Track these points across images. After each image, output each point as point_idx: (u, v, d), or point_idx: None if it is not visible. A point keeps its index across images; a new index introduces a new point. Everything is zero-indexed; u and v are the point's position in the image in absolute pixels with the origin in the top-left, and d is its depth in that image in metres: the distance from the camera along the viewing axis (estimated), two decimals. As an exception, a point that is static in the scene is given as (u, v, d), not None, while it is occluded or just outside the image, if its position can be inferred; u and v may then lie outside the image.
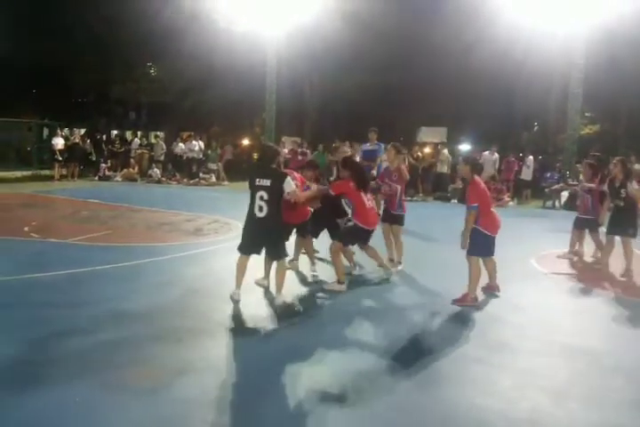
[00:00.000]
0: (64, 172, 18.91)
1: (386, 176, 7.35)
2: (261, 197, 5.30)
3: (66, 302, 5.43)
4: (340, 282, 6.18)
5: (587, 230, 8.16)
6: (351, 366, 4.15)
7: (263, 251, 5.57)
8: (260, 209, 5.32)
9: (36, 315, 5.03)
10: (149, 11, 19.99)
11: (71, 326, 4.78)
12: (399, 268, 7.13)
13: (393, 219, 7.24)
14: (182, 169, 20.06)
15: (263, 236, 5.40)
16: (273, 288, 5.88)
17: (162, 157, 20.60)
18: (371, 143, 12.47)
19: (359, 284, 6.51)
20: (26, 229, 9.00)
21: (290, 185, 5.34)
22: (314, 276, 6.59)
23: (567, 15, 16.43)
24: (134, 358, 4.19)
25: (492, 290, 6.16)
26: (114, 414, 3.39)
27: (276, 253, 5.49)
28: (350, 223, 6.42)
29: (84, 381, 3.76)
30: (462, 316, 5.45)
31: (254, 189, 5.38)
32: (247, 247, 5.50)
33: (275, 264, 5.66)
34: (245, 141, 26.86)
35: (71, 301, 5.47)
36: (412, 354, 4.49)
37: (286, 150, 20.10)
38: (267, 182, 5.31)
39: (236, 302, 5.44)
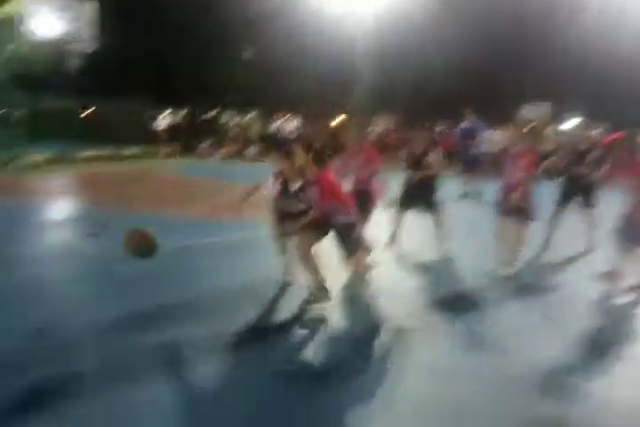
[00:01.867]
0: (168, 150, 20.00)
1: (507, 161, 6.09)
2: None
3: (172, 276, 5.71)
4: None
5: None
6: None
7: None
8: None
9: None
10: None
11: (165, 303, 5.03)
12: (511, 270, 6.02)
13: (518, 212, 5.95)
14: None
15: None
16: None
17: (258, 137, 21.12)
18: (469, 121, 12.14)
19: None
20: (136, 202, 9.58)
21: None
22: None
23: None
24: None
25: None
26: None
27: None
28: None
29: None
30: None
31: None
32: None
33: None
34: (337, 121, 26.83)
35: (177, 275, 5.74)
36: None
37: (379, 129, 19.93)
38: None
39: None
